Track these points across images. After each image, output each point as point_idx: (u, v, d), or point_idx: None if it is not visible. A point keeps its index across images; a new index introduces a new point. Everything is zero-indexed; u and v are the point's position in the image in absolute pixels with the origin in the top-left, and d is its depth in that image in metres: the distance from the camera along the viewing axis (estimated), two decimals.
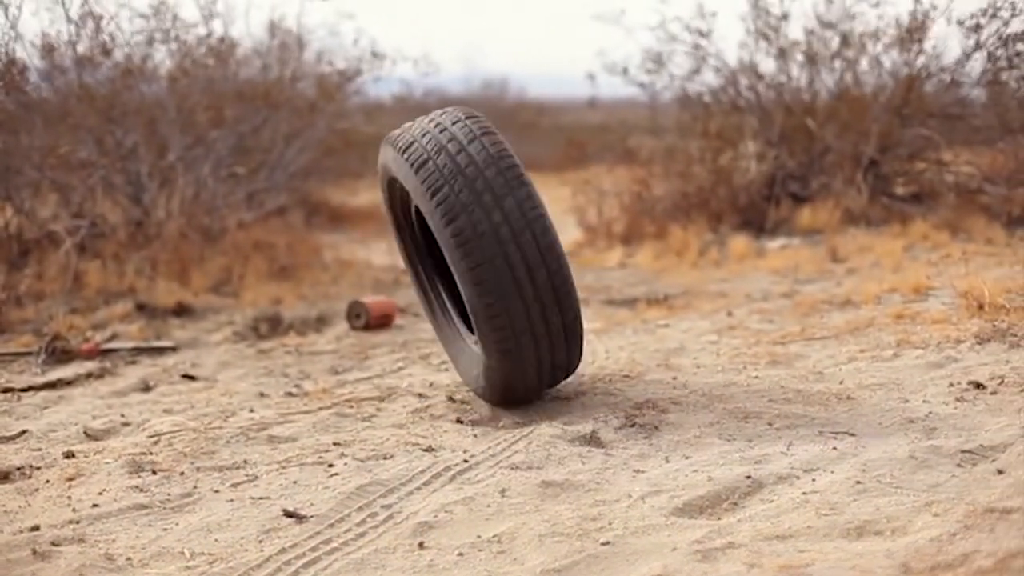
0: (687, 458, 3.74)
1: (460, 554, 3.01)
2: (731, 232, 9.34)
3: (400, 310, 6.98)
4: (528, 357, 4.25)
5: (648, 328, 6.15)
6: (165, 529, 3.34)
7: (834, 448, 3.69)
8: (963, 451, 3.50)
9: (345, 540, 3.17)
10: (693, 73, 10.57)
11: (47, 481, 3.86)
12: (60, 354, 5.94)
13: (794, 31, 10.30)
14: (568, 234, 10.52)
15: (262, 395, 5.02)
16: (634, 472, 3.62)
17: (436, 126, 4.31)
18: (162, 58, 9.34)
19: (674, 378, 4.86)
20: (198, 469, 3.90)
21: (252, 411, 4.70)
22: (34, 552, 3.14)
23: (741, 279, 7.61)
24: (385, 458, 3.92)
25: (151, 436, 4.34)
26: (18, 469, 4.00)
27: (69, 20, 8.42)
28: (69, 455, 4.13)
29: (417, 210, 4.80)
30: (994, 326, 5.14)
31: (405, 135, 4.39)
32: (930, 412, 4.04)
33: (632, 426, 4.14)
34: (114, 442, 4.31)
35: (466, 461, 3.82)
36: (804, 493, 3.25)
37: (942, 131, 9.61)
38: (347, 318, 6.66)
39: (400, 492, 3.54)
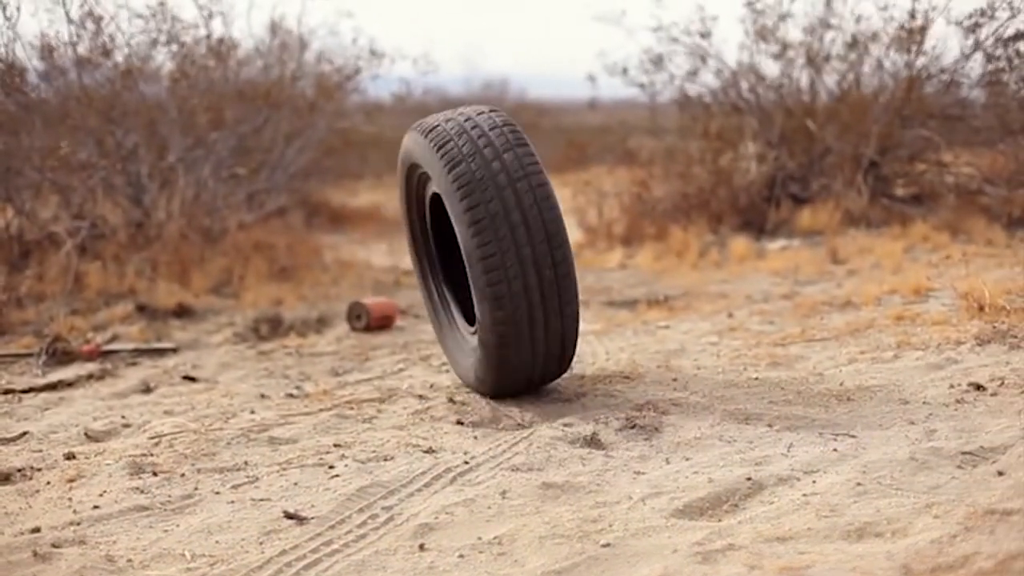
0: (687, 460, 3.74)
1: (461, 556, 3.01)
2: (731, 233, 9.34)
3: (401, 311, 6.98)
4: (521, 310, 4.29)
5: (648, 329, 6.16)
6: (166, 531, 3.34)
7: (834, 450, 3.69)
8: (963, 453, 3.51)
9: (346, 542, 3.18)
10: (693, 74, 10.57)
11: (48, 483, 3.86)
12: (61, 355, 5.94)
13: (794, 32, 10.30)
14: (569, 235, 10.52)
15: (263, 396, 5.02)
16: (634, 474, 3.62)
17: (460, 114, 4.55)
18: (162, 59, 9.35)
19: (674, 380, 4.86)
20: (199, 471, 3.91)
21: (253, 412, 4.70)
22: (35, 554, 3.14)
23: (741, 280, 7.62)
24: (386, 460, 3.92)
25: (152, 437, 4.34)
26: (19, 470, 4.00)
27: (69, 21, 8.43)
28: (70, 456, 4.13)
29: (431, 200, 4.99)
30: (994, 327, 5.14)
31: (430, 120, 4.60)
32: (930, 414, 4.04)
33: (632, 428, 4.14)
34: (115, 443, 4.32)
35: (467, 463, 3.82)
36: (804, 495, 3.25)
37: (942, 132, 9.61)
38: (348, 319, 6.66)
39: (401, 494, 3.54)
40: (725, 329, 5.97)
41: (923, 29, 9.42)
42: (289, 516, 3.37)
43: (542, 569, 2.88)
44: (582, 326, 6.24)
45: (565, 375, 5.00)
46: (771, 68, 10.40)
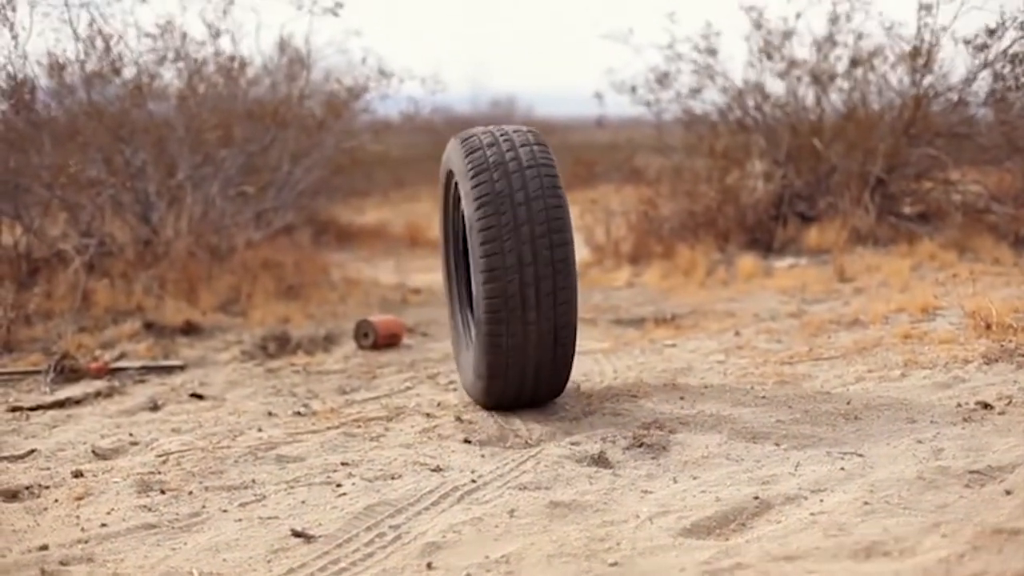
0: (695, 478, 3.74)
1: (468, 575, 3.01)
2: (738, 251, 9.34)
3: (408, 329, 6.99)
4: (513, 285, 4.37)
5: (655, 348, 6.16)
6: (173, 549, 3.35)
7: (842, 468, 3.69)
8: (971, 472, 3.50)
9: (353, 560, 3.18)
10: (698, 92, 10.58)
11: (55, 500, 3.87)
12: (68, 373, 5.95)
13: (800, 50, 10.30)
14: (576, 254, 10.53)
15: (270, 414, 5.03)
16: (642, 492, 3.62)
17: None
18: (171, 77, 9.37)
19: (681, 398, 4.86)
20: (206, 488, 3.91)
21: (260, 430, 4.71)
22: (43, 572, 3.15)
23: (748, 299, 7.61)
24: (393, 478, 3.93)
25: (159, 455, 4.34)
26: (27, 488, 4.01)
27: (78, 39, 8.46)
28: (77, 474, 4.14)
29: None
30: (1002, 346, 5.14)
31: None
32: (938, 432, 4.04)
33: (640, 446, 4.14)
34: (122, 461, 4.32)
35: (474, 481, 3.82)
36: (812, 514, 3.25)
37: (949, 150, 9.60)
38: (355, 337, 6.67)
39: (408, 512, 3.54)
40: (732, 347, 5.97)
41: (931, 48, 9.42)
42: (297, 534, 3.37)
43: None
44: (591, 344, 6.27)
45: (570, 390, 5.00)
46: (777, 86, 10.42)
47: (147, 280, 7.78)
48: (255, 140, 9.32)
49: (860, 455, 3.85)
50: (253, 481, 3.98)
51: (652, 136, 11.06)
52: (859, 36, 9.97)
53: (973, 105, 9.69)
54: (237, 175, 9.22)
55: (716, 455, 3.99)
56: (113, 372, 6.04)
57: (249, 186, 9.31)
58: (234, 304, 7.84)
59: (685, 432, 4.30)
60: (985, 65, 9.25)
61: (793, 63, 10.22)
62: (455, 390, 5.29)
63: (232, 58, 9.33)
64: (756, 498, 3.42)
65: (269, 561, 3.20)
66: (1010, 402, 4.34)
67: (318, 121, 10.08)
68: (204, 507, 3.72)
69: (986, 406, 4.32)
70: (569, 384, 5.20)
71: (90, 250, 7.95)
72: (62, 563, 3.24)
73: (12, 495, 3.95)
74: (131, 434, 4.74)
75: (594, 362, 5.83)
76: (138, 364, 6.21)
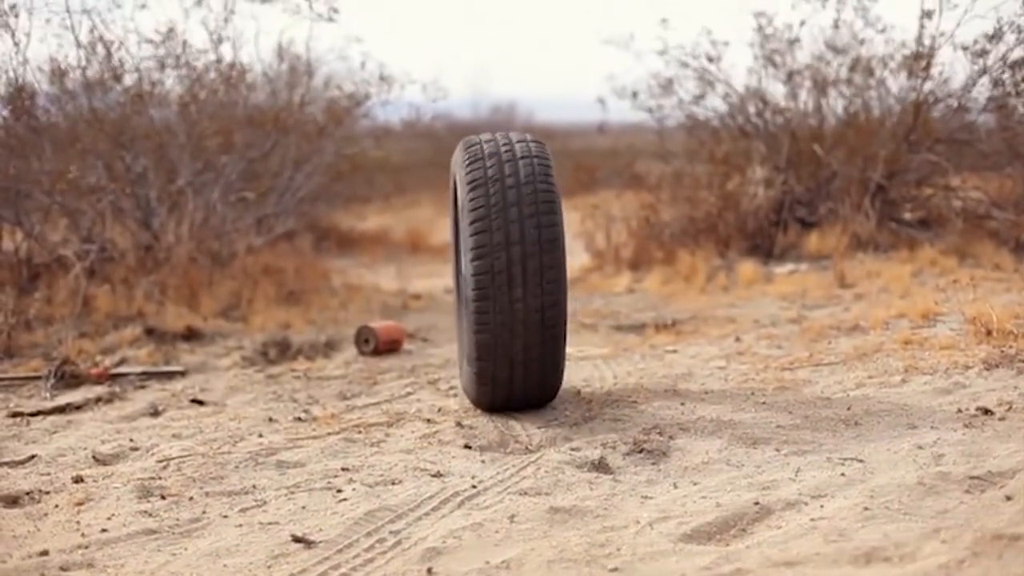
0: (695, 484, 3.74)
1: None
2: (739, 257, 9.34)
3: (409, 335, 6.99)
4: (500, 261, 4.44)
5: (656, 353, 6.16)
6: (174, 554, 3.35)
7: (842, 474, 3.69)
8: (971, 477, 3.50)
9: (354, 566, 3.18)
10: (700, 98, 10.58)
11: (56, 506, 3.87)
12: (69, 378, 5.95)
13: (801, 57, 10.30)
14: (576, 259, 10.53)
15: (271, 420, 5.03)
16: (642, 498, 3.62)
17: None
18: (172, 83, 9.38)
19: (682, 404, 4.86)
20: (207, 494, 3.91)
21: (261, 436, 4.71)
22: None
23: (749, 304, 7.62)
24: (393, 483, 3.93)
25: (160, 461, 4.35)
26: (27, 494, 4.01)
27: (79, 45, 8.47)
28: (78, 480, 4.14)
29: None
30: (1002, 352, 5.14)
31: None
32: (938, 438, 4.04)
33: (640, 452, 4.14)
34: (123, 467, 4.33)
35: (474, 487, 3.82)
36: (812, 519, 3.25)
37: (950, 157, 9.61)
38: (355, 343, 6.67)
39: (409, 518, 3.54)
40: (733, 353, 5.97)
41: (930, 54, 9.43)
42: (297, 540, 3.37)
43: None
44: (591, 350, 6.27)
45: (570, 395, 5.00)
46: (779, 92, 10.42)
47: (148, 286, 7.78)
48: (256, 146, 9.32)
49: (860, 461, 3.85)
50: (254, 487, 3.98)
51: (653, 142, 11.06)
52: (861, 42, 9.98)
53: (973, 111, 9.69)
54: (238, 181, 9.22)
55: (716, 461, 3.99)
56: (114, 378, 6.04)
57: (250, 192, 9.31)
58: (235, 310, 7.84)
59: (685, 438, 4.31)
60: (984, 71, 9.25)
61: (795, 71, 10.23)
62: (456, 396, 5.29)
63: (233, 65, 9.33)
64: (756, 504, 3.42)
65: (269, 567, 3.20)
66: (1010, 408, 4.34)
67: (319, 127, 10.08)
68: (205, 513, 3.72)
69: (986, 412, 4.32)
70: (569, 390, 5.21)
71: (91, 256, 7.95)
72: (62, 568, 3.24)
73: (13, 500, 3.95)
74: (132, 440, 4.74)
75: (594, 368, 5.83)
76: (139, 370, 6.21)
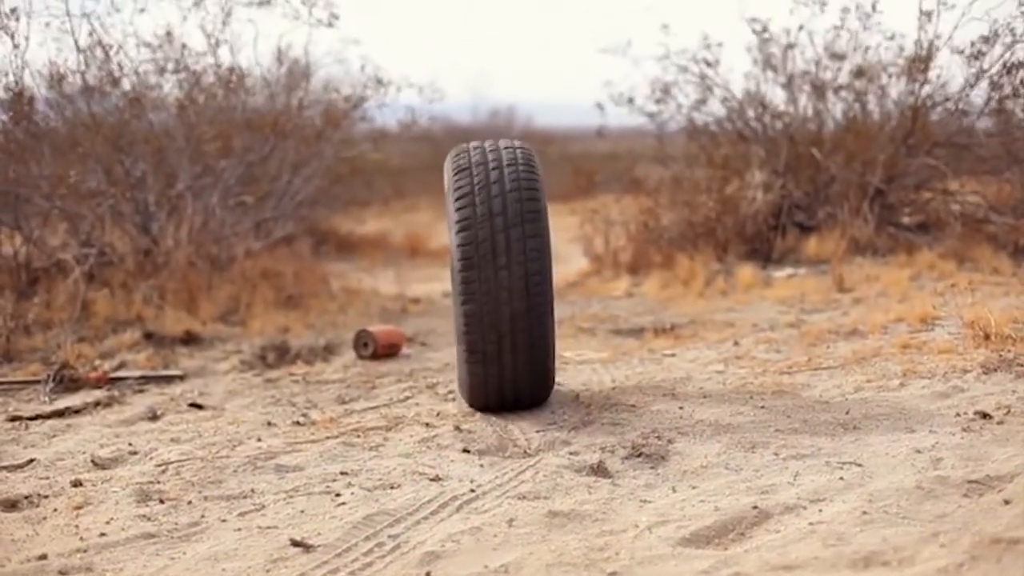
0: (694, 488, 3.74)
1: None
2: (738, 261, 9.34)
3: (407, 339, 6.99)
4: (484, 232, 4.59)
5: (655, 358, 6.16)
6: (172, 558, 3.35)
7: (841, 478, 3.69)
8: (970, 481, 3.51)
9: (352, 570, 3.18)
10: (700, 103, 10.59)
11: (55, 510, 3.87)
12: (68, 382, 5.95)
13: (800, 61, 10.31)
14: (575, 263, 10.54)
15: (269, 424, 5.03)
16: (641, 502, 3.62)
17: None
18: (170, 87, 9.38)
19: (680, 408, 4.86)
20: (205, 498, 3.91)
21: (259, 440, 4.71)
22: None
23: (748, 309, 7.62)
24: (392, 487, 3.93)
25: (159, 465, 4.35)
26: (26, 498, 4.01)
27: (78, 49, 8.47)
28: (77, 484, 4.14)
29: None
30: (1000, 356, 5.14)
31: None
32: (936, 442, 4.04)
33: (639, 456, 4.14)
34: (122, 471, 4.32)
35: (473, 491, 3.82)
36: (811, 523, 3.25)
37: (948, 161, 9.62)
38: (354, 347, 6.67)
39: (407, 522, 3.54)
40: (731, 357, 5.97)
41: (928, 58, 9.44)
42: (296, 544, 3.37)
43: None
44: (589, 354, 6.27)
45: (568, 399, 5.00)
46: (777, 97, 10.43)
47: (147, 290, 7.78)
48: (254, 150, 9.32)
49: (859, 465, 3.85)
50: (252, 491, 3.98)
51: (653, 146, 11.07)
52: (865, 50, 9.99)
53: (972, 115, 9.69)
54: (237, 185, 9.23)
55: (715, 465, 3.99)
56: (112, 382, 6.05)
57: (249, 196, 9.31)
58: (234, 314, 7.84)
59: (684, 442, 4.31)
60: (982, 74, 9.26)
61: (794, 76, 10.24)
62: (454, 400, 5.29)
63: (231, 68, 9.33)
64: (755, 508, 3.43)
65: (268, 571, 3.20)
66: (1009, 412, 4.35)
67: (317, 131, 10.08)
68: (203, 517, 3.72)
69: (985, 416, 4.32)
70: (568, 394, 5.22)
71: (90, 260, 7.96)
72: (61, 572, 3.24)
73: (11, 504, 3.95)
74: (130, 444, 4.74)
75: (593, 372, 5.83)
76: (137, 374, 6.21)
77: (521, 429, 4.61)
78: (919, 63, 9.49)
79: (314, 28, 9.50)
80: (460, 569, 3.10)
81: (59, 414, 5.41)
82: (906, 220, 9.94)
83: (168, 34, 9.01)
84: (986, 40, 9.06)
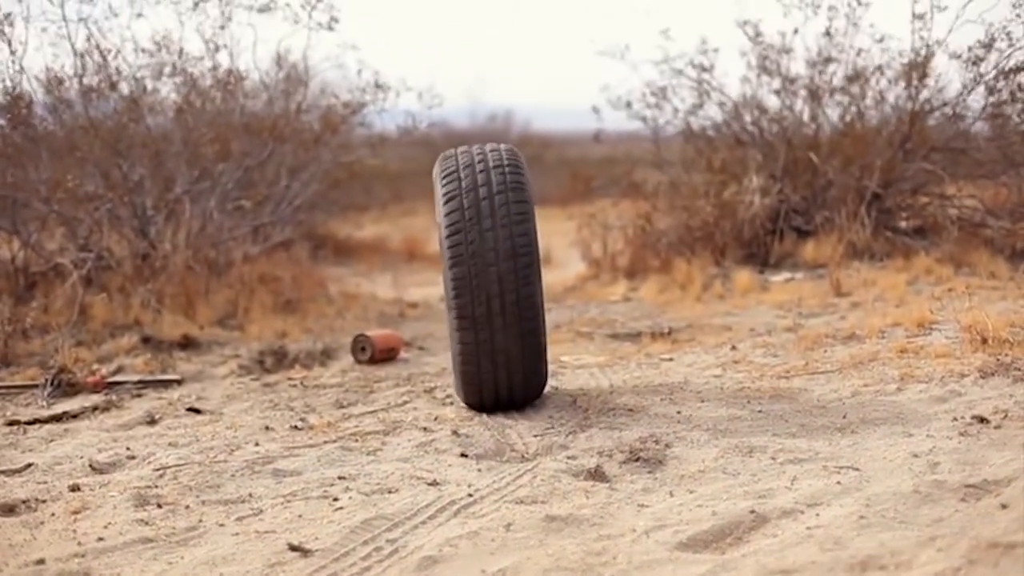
0: (691, 492, 3.75)
1: None
2: (735, 266, 9.35)
3: (405, 344, 6.99)
4: (472, 209, 4.76)
5: (652, 362, 6.16)
6: (170, 563, 3.35)
7: (838, 482, 3.69)
8: (967, 486, 3.51)
9: (350, 574, 3.18)
10: (696, 107, 10.60)
11: (52, 514, 3.87)
12: (66, 387, 5.95)
13: (796, 65, 10.32)
14: (573, 268, 10.55)
15: (267, 428, 5.03)
16: (638, 506, 3.63)
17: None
18: (168, 91, 9.39)
19: (678, 412, 4.87)
20: (203, 502, 3.91)
21: (257, 444, 4.71)
22: None
23: (745, 313, 7.62)
24: (390, 492, 3.93)
25: (157, 469, 4.35)
26: (23, 502, 4.01)
27: (76, 54, 8.48)
28: (75, 488, 4.14)
29: None
30: (998, 360, 5.15)
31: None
32: (934, 446, 4.05)
33: (636, 460, 4.14)
34: (119, 475, 4.32)
35: (471, 495, 3.82)
36: (808, 528, 3.26)
37: (945, 165, 9.62)
38: (352, 351, 6.67)
39: (405, 526, 3.54)
40: (729, 362, 5.97)
41: (925, 62, 9.45)
42: (293, 548, 3.37)
43: None
44: (587, 358, 6.28)
45: (566, 404, 5.01)
46: (774, 101, 10.44)
47: (145, 294, 7.78)
48: (252, 154, 9.33)
49: (856, 469, 3.85)
50: (250, 495, 3.98)
51: (650, 150, 11.07)
52: (857, 53, 10.00)
53: (969, 119, 9.70)
54: (235, 189, 9.23)
55: (712, 469, 4.00)
56: (110, 386, 6.04)
57: (247, 200, 9.32)
58: (231, 318, 7.84)
59: (681, 446, 4.31)
60: (979, 79, 9.27)
61: (790, 79, 10.25)
62: (452, 404, 5.30)
63: (229, 72, 9.34)
64: (752, 512, 3.43)
65: (266, 575, 3.20)
66: (1006, 416, 4.35)
67: (315, 135, 10.09)
68: (201, 521, 3.72)
69: (982, 420, 4.33)
70: (565, 398, 5.22)
71: (88, 264, 7.96)
72: None
73: (9, 509, 3.95)
74: (128, 448, 4.74)
75: (590, 376, 5.84)
76: (135, 378, 6.21)
77: (519, 433, 4.62)
78: (915, 67, 9.50)
79: (313, 32, 9.50)
80: (458, 573, 3.10)
81: (57, 418, 5.41)
82: (903, 224, 9.94)
83: (166, 38, 9.01)
84: (987, 47, 9.07)
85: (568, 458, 4.21)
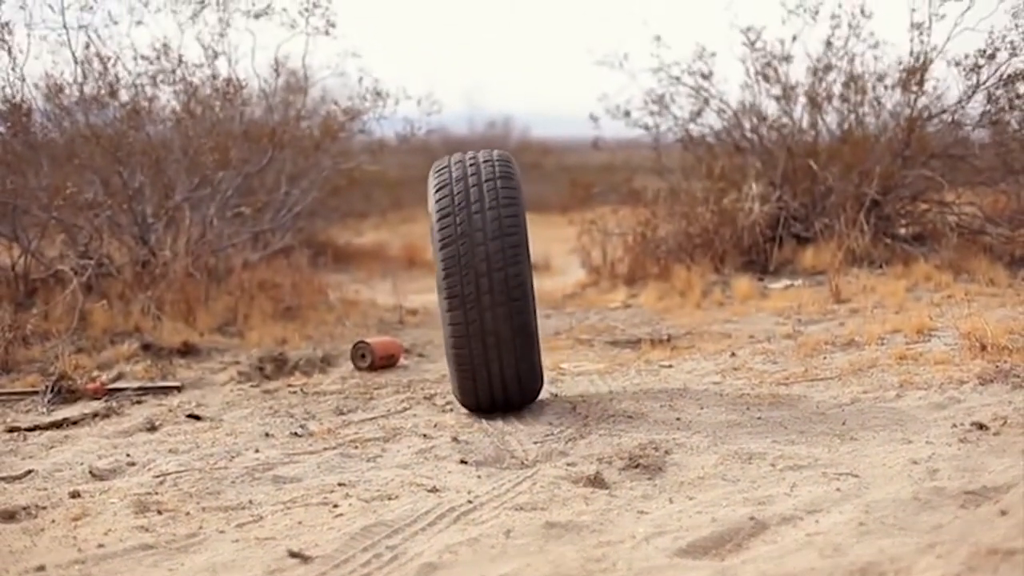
0: (691, 499, 3.75)
1: None
2: (734, 273, 9.35)
3: (405, 350, 6.99)
4: (461, 195, 4.91)
5: (652, 369, 6.17)
6: (171, 569, 3.35)
7: (837, 489, 3.70)
8: (966, 492, 3.51)
9: None
10: (696, 115, 10.60)
11: (53, 521, 3.87)
12: (66, 394, 5.95)
13: (795, 73, 10.33)
14: (572, 275, 10.55)
15: (267, 435, 5.03)
16: (638, 513, 3.63)
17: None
18: (168, 99, 9.39)
19: (678, 419, 4.87)
20: (203, 509, 3.92)
21: (257, 451, 4.71)
22: None
23: (744, 320, 7.63)
24: (390, 499, 3.93)
25: (157, 476, 4.35)
26: (24, 509, 4.01)
27: (75, 61, 8.49)
28: (75, 495, 4.14)
29: None
30: (997, 367, 5.15)
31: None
32: (933, 453, 4.05)
33: (636, 467, 4.15)
34: (120, 482, 4.33)
35: (470, 502, 3.83)
36: (807, 534, 3.26)
37: (944, 172, 9.63)
38: (352, 358, 6.67)
39: (405, 533, 3.55)
40: (728, 368, 5.98)
41: (923, 69, 9.47)
42: (294, 555, 3.37)
43: None
44: (586, 365, 6.28)
45: (566, 411, 5.01)
46: (773, 108, 10.44)
47: (145, 301, 7.78)
48: (252, 161, 9.32)
49: (856, 475, 3.86)
50: (250, 502, 3.98)
51: (650, 157, 11.07)
52: (852, 58, 10.01)
53: (968, 127, 9.71)
54: (234, 196, 9.23)
55: (712, 476, 4.00)
56: (110, 393, 6.05)
57: (246, 207, 9.32)
58: (231, 325, 7.84)
59: (681, 453, 4.31)
60: (978, 86, 9.28)
61: (789, 86, 10.25)
62: (452, 411, 5.30)
63: (229, 80, 9.34)
64: (752, 519, 3.43)
65: None
66: (1005, 422, 4.35)
67: (315, 142, 10.08)
68: (201, 528, 3.72)
69: (981, 427, 4.33)
70: (565, 405, 5.22)
71: (88, 271, 7.95)
72: None
73: (9, 516, 3.95)
74: (128, 455, 4.74)
75: (590, 383, 5.84)
76: (135, 385, 6.21)
77: (518, 440, 4.62)
78: (914, 75, 9.51)
79: (311, 38, 9.49)
80: None
81: (57, 425, 5.41)
82: (902, 231, 9.94)
83: (165, 45, 9.01)
84: (990, 57, 9.08)
85: (568, 465, 4.21)
